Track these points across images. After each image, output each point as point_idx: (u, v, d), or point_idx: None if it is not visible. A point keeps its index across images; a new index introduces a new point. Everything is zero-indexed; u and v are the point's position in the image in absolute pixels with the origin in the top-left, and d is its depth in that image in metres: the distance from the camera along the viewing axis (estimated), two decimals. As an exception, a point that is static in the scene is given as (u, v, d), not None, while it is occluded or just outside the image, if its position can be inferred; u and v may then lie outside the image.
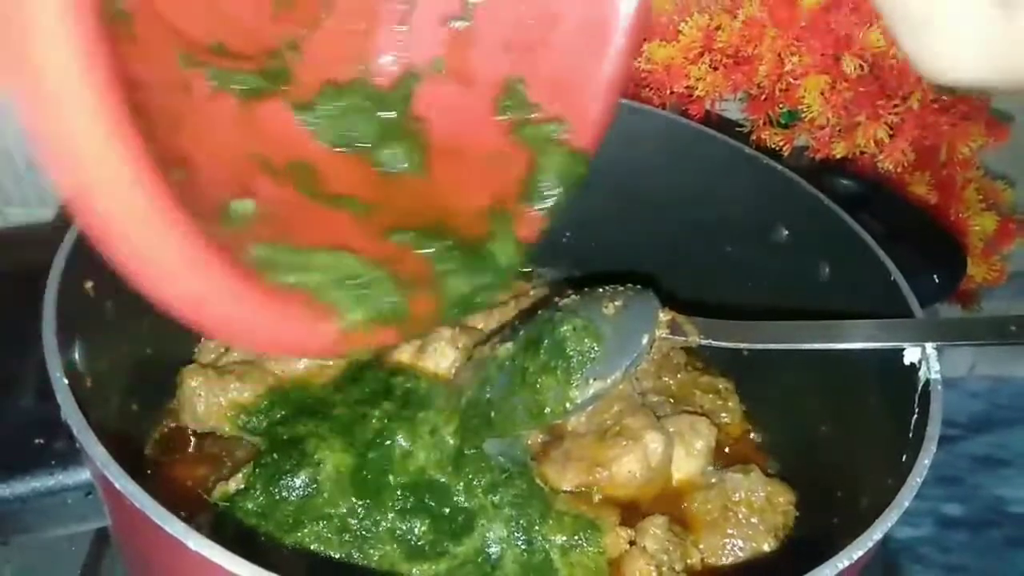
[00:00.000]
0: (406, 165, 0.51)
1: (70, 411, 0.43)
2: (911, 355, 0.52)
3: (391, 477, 0.59)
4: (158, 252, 0.34)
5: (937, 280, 0.73)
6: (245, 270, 0.38)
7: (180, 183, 0.35)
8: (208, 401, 0.63)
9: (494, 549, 0.58)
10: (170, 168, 0.34)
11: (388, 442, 0.60)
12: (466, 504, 0.59)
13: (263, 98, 0.48)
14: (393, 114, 0.52)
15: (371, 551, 0.57)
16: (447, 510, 0.58)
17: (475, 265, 0.49)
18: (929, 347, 0.52)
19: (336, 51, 0.51)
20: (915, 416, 0.50)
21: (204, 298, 0.36)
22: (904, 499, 0.43)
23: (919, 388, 0.51)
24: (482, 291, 0.49)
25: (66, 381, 0.44)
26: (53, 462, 0.51)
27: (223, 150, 0.45)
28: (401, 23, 0.53)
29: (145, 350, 0.63)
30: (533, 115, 0.51)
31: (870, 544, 0.40)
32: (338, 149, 0.50)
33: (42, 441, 0.52)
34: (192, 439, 0.64)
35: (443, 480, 0.59)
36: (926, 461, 0.45)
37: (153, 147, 0.32)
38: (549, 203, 0.51)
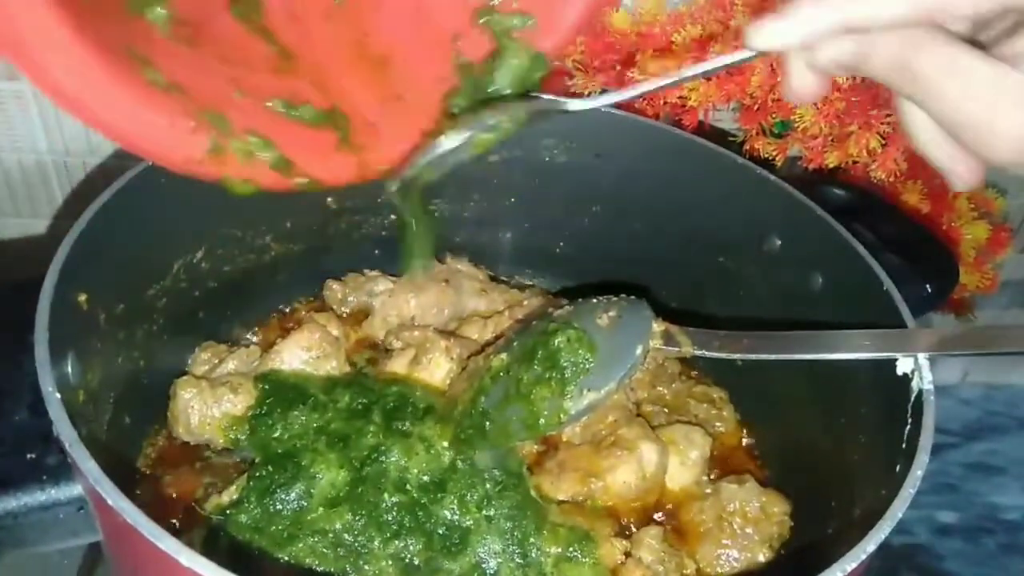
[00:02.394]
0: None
1: (62, 426, 0.42)
2: (904, 365, 0.53)
3: (386, 495, 0.58)
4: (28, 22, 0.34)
5: (929, 289, 0.74)
6: (120, 58, 0.37)
7: None
8: (201, 413, 0.63)
9: (490, 564, 0.57)
10: None
11: (383, 458, 0.60)
12: (460, 522, 0.58)
13: None
14: None
15: (366, 567, 0.57)
16: (442, 528, 0.58)
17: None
18: (921, 357, 0.52)
19: None
20: (908, 426, 0.50)
21: (43, 53, 0.36)
22: (897, 511, 0.43)
23: (912, 398, 0.51)
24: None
25: (58, 396, 0.44)
26: (45, 477, 0.50)
27: None
28: None
29: (138, 362, 0.63)
30: (501, 2, 0.49)
31: (863, 556, 0.40)
32: None
33: (34, 456, 0.52)
34: (185, 451, 0.64)
35: (438, 496, 0.59)
36: (919, 472, 0.45)
37: None
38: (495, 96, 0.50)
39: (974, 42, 0.38)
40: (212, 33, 0.45)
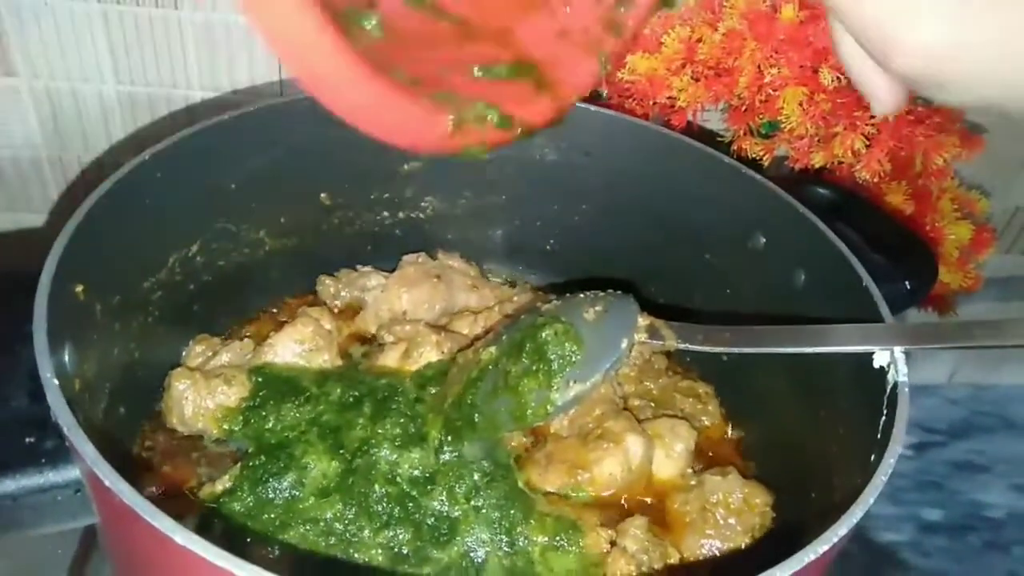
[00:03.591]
0: None
1: (60, 410, 0.43)
2: (880, 358, 0.54)
3: (376, 486, 0.59)
4: (319, 59, 0.39)
5: (909, 287, 0.75)
6: (371, 65, 0.41)
7: None
8: (195, 404, 0.64)
9: (478, 553, 0.58)
10: None
11: (374, 450, 0.61)
12: (449, 512, 0.59)
13: None
14: None
15: (356, 555, 0.58)
16: (431, 519, 0.59)
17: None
18: (897, 350, 0.53)
19: None
20: (883, 418, 0.52)
21: (339, 87, 0.40)
22: (868, 497, 0.44)
23: (887, 391, 0.53)
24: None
25: (56, 381, 0.45)
26: (43, 460, 0.52)
27: None
28: None
29: (133, 353, 0.64)
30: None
31: (834, 539, 0.41)
32: None
33: (32, 440, 0.53)
34: (179, 442, 0.65)
35: (427, 489, 0.60)
36: (891, 460, 0.47)
37: None
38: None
39: None
40: (404, 26, 0.48)
